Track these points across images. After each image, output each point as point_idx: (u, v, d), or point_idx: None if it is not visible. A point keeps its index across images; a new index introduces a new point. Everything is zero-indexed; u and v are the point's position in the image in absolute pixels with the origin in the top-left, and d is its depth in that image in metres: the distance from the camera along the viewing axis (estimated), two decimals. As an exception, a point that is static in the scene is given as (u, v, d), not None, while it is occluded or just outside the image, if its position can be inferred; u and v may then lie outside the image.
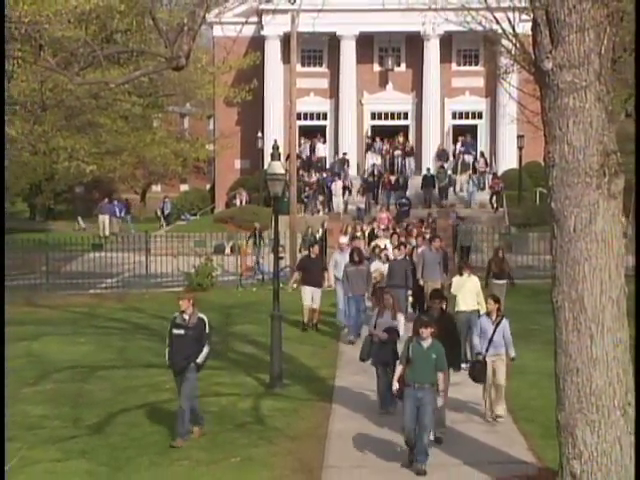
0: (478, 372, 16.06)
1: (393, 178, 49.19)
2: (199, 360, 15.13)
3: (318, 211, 47.04)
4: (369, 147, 53.77)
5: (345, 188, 48.64)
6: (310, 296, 24.99)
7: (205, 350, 15.18)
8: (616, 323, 12.06)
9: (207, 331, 15.32)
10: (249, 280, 35.24)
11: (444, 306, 16.33)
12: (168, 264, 36.44)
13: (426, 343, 13.62)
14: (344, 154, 52.16)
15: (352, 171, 51.77)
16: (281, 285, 21.35)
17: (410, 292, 24.96)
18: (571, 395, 12.11)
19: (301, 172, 48.08)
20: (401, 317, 17.43)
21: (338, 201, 47.54)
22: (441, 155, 51.58)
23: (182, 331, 15.17)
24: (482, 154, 53.26)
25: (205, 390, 18.89)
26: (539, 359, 18.75)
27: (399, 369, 13.88)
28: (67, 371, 20.74)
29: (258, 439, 15.50)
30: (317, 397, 18.26)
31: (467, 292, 20.10)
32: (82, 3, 19.49)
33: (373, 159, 52.23)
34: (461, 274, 20.60)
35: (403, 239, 29.10)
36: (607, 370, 11.99)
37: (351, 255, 24.19)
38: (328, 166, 52.38)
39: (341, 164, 51.26)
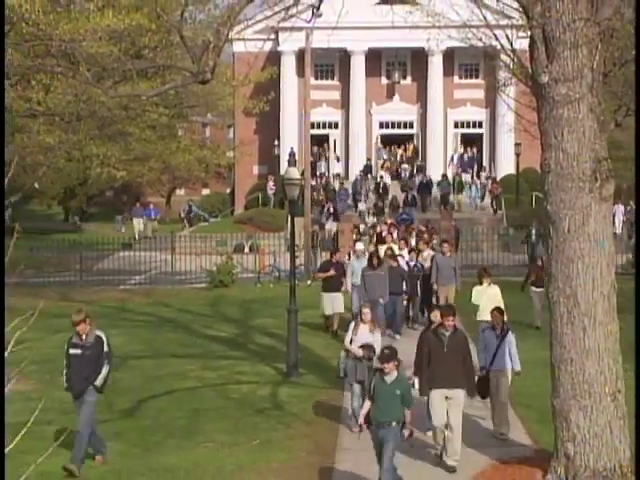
0: (481, 387, 14.47)
1: (401, 197, 47.86)
2: (97, 382, 13.19)
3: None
4: (369, 169, 52.48)
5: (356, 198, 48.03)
6: (330, 304, 23.48)
7: (104, 371, 13.24)
8: (607, 316, 12.11)
9: (106, 349, 13.30)
10: (267, 277, 35.30)
11: (455, 322, 13.54)
12: (192, 262, 36.52)
13: (389, 378, 11.64)
14: (361, 172, 51.65)
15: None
16: (296, 282, 21.40)
17: (407, 297, 23.83)
18: (565, 383, 12.16)
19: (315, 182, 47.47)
20: (378, 333, 15.54)
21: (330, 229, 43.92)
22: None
23: (79, 351, 13.20)
24: (484, 168, 53.01)
25: (227, 378, 19.05)
26: (535, 350, 18.74)
27: (366, 405, 11.94)
28: (100, 360, 20.83)
29: (276, 423, 15.57)
30: (330, 385, 18.30)
31: (488, 301, 18.34)
32: (115, 22, 19.60)
33: (384, 177, 51.42)
34: (481, 283, 19.00)
35: (413, 243, 28.42)
36: (599, 360, 12.04)
37: (370, 260, 22.77)
38: (351, 185, 50.79)
39: (362, 180, 50.53)
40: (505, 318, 16.72)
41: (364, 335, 15.16)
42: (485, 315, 18.20)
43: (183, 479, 12.97)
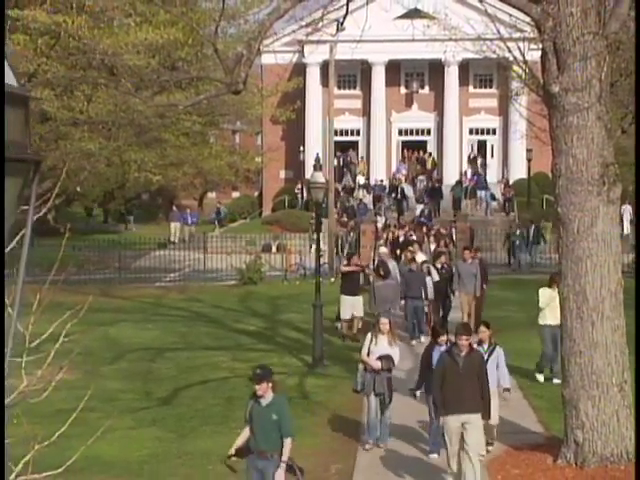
0: None
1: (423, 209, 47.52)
2: None
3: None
4: (393, 189, 50.58)
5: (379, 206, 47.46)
6: (350, 309, 21.92)
7: None
8: (614, 312, 12.14)
9: None
10: (293, 275, 35.37)
11: (472, 342, 11.71)
12: (222, 261, 36.63)
13: (265, 401, 9.86)
14: (381, 181, 51.36)
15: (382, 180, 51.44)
16: (321, 279, 21.43)
17: (427, 303, 22.03)
18: (575, 374, 12.19)
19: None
20: (397, 344, 14.03)
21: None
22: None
23: None
24: (503, 182, 52.42)
25: (257, 369, 19.10)
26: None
27: (244, 432, 10.14)
28: (138, 352, 20.99)
29: (303, 411, 15.63)
30: (354, 376, 18.34)
31: (556, 306, 16.34)
32: (153, 36, 19.78)
33: (407, 191, 50.78)
34: (550, 286, 17.20)
35: (442, 248, 27.53)
36: (606, 352, 12.07)
37: (377, 270, 21.55)
38: (369, 192, 50.20)
39: (380, 190, 50.16)
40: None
41: (383, 346, 13.73)
42: (551, 319, 17.10)
43: (217, 462, 13.06)
